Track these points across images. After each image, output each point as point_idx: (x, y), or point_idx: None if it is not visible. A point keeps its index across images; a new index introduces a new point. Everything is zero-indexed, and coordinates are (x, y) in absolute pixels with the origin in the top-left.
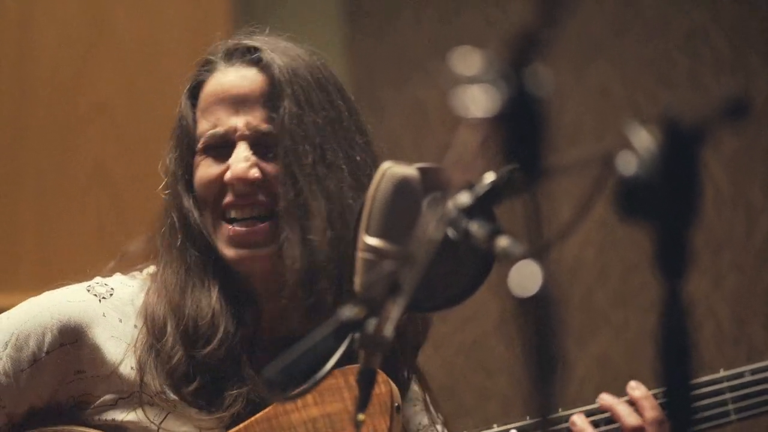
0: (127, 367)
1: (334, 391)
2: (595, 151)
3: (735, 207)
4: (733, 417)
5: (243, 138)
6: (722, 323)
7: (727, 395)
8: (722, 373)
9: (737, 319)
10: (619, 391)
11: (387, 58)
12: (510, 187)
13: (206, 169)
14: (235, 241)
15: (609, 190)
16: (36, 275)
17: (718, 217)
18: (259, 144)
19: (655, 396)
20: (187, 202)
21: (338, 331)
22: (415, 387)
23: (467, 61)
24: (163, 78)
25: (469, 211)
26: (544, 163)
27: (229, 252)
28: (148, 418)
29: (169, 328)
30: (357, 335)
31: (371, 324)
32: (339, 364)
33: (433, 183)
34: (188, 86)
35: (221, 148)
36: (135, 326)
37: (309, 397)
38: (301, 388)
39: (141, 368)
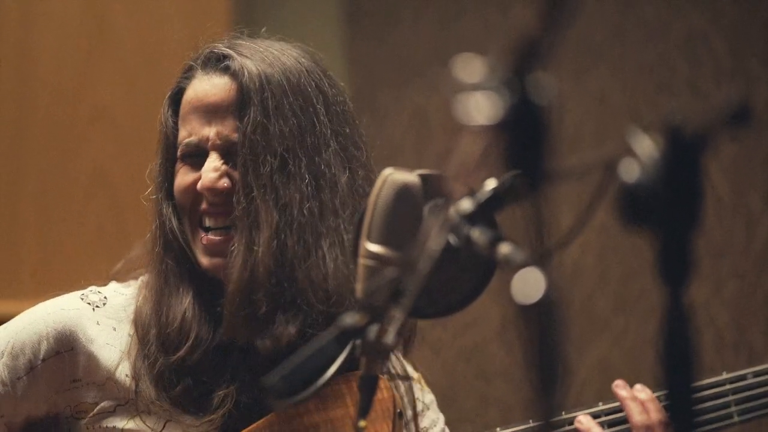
0: (122, 375)
1: (337, 397)
2: (597, 158)
3: (735, 213)
4: (736, 419)
5: (214, 148)
6: (722, 329)
7: (730, 397)
8: (725, 375)
9: (737, 325)
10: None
11: (386, 62)
12: (512, 194)
13: (183, 177)
14: (208, 250)
15: (611, 197)
16: (36, 279)
17: (718, 223)
18: (230, 153)
19: (658, 399)
20: (166, 209)
21: (340, 337)
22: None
23: (469, 67)
24: (163, 82)
25: (471, 218)
26: (546, 170)
27: (204, 260)
28: (148, 426)
29: (151, 334)
30: (358, 342)
31: (373, 330)
32: (341, 370)
33: (434, 189)
34: (170, 93)
35: (196, 156)
36: (129, 334)
37: (311, 404)
38: (303, 394)
39: (136, 376)
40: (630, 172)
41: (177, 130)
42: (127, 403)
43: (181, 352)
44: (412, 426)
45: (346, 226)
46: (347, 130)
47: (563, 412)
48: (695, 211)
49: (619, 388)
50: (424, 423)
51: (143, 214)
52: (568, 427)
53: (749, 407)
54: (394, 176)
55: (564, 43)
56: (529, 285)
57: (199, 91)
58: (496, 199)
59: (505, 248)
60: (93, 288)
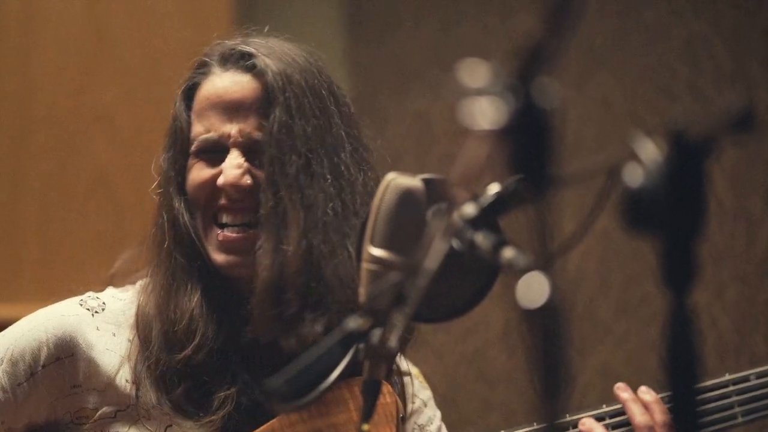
0: (123, 380)
1: (340, 402)
2: (601, 163)
3: (736, 218)
4: (740, 419)
5: (236, 145)
6: (724, 334)
7: (734, 398)
8: (728, 376)
9: (739, 329)
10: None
11: (387, 67)
12: (515, 199)
13: (199, 172)
14: (224, 247)
15: (613, 202)
16: (37, 283)
17: (719, 228)
18: (252, 151)
19: (663, 400)
20: (178, 204)
21: (343, 341)
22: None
23: (473, 72)
24: (164, 86)
25: (474, 222)
26: (549, 175)
27: (218, 257)
28: (150, 430)
29: (154, 332)
30: (362, 346)
31: (376, 334)
32: (344, 375)
33: (437, 194)
34: (183, 87)
35: (214, 152)
36: (128, 339)
37: (314, 409)
38: (306, 398)
39: (136, 380)
40: (633, 176)
41: (190, 124)
42: (128, 409)
43: (188, 351)
44: (410, 421)
45: None
46: (356, 132)
47: (567, 415)
48: (698, 216)
49: (621, 390)
50: (421, 420)
51: (144, 216)
52: (572, 430)
53: (753, 408)
54: (397, 181)
55: (566, 48)
56: (532, 289)
57: (219, 87)
58: (500, 203)
59: (508, 253)
60: (90, 294)
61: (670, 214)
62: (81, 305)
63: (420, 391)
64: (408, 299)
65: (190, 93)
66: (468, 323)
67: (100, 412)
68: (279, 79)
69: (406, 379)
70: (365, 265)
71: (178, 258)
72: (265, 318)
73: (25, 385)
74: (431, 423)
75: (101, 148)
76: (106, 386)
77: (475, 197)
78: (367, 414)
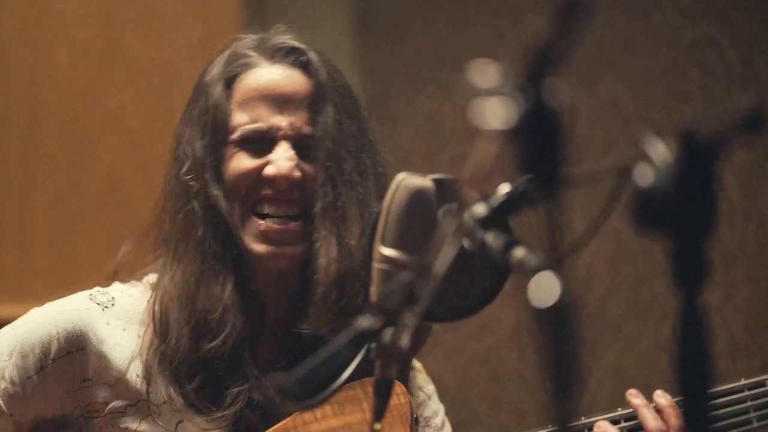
0: (133, 376)
1: (354, 402)
2: (611, 163)
3: (747, 218)
4: (755, 424)
5: (286, 137)
6: (735, 334)
7: (749, 403)
8: (743, 381)
9: (750, 330)
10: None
11: (398, 69)
12: (525, 199)
13: (242, 162)
14: (266, 237)
15: (624, 202)
16: (49, 285)
17: (730, 228)
18: (300, 145)
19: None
20: (217, 192)
21: (355, 340)
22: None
23: (484, 73)
24: (175, 89)
25: (485, 222)
26: (560, 175)
27: (258, 247)
28: (161, 425)
29: (177, 321)
30: (373, 345)
31: (387, 334)
32: (358, 375)
33: (448, 194)
34: (223, 77)
35: (260, 143)
36: (139, 335)
37: (328, 408)
38: (317, 398)
39: (147, 376)
40: (644, 176)
41: (229, 113)
42: (138, 404)
43: (218, 341)
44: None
45: None
46: (374, 133)
47: (582, 418)
48: (709, 216)
49: (633, 396)
50: (426, 412)
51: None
52: None
53: None
54: (407, 181)
55: (575, 50)
56: (543, 289)
57: (269, 79)
58: (510, 203)
59: (519, 252)
60: (99, 289)
61: (680, 214)
62: (91, 299)
63: (424, 384)
64: (419, 299)
65: (228, 83)
66: (479, 323)
67: (110, 406)
68: (329, 77)
69: (410, 372)
70: (376, 265)
71: (213, 246)
72: (326, 311)
73: (35, 379)
74: (436, 416)
75: (113, 150)
76: (117, 381)
77: (485, 197)
78: (379, 413)
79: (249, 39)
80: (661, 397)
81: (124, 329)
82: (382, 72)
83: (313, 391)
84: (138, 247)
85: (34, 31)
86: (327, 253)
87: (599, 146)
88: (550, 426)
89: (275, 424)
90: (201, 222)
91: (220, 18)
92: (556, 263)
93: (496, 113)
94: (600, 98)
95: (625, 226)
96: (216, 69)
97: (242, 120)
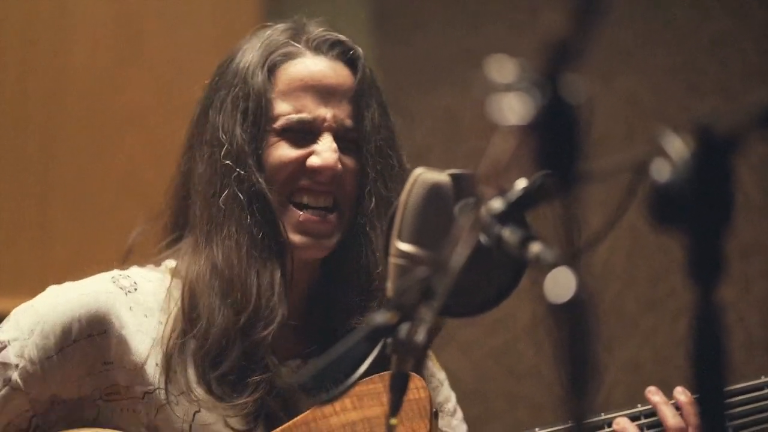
0: (153, 364)
1: (374, 395)
2: (629, 158)
3: (763, 213)
4: None
5: (329, 129)
6: (751, 329)
7: None
8: (764, 378)
9: (766, 325)
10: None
11: (415, 65)
12: (542, 194)
13: (285, 151)
14: (304, 228)
15: (640, 197)
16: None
17: (747, 223)
18: (340, 137)
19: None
20: (261, 178)
21: (371, 335)
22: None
23: (501, 68)
24: (194, 84)
25: (502, 217)
26: (577, 170)
27: (296, 237)
28: (178, 416)
29: (211, 306)
30: (389, 340)
31: (403, 329)
32: (378, 369)
33: (465, 189)
34: (263, 64)
35: (302, 133)
36: (160, 322)
37: (348, 402)
38: (333, 392)
39: (167, 364)
40: (661, 171)
41: (272, 101)
42: (156, 392)
43: (271, 328)
44: None
45: None
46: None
47: (602, 414)
48: (726, 211)
49: (652, 393)
50: (438, 398)
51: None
52: (606, 429)
53: None
54: (424, 176)
55: (593, 45)
56: (559, 284)
57: (316, 71)
58: (527, 198)
59: (535, 248)
60: (119, 272)
61: (697, 209)
62: (114, 283)
63: (436, 371)
64: (435, 294)
65: (270, 72)
66: (495, 318)
67: (129, 390)
68: (370, 72)
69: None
70: (393, 260)
71: (258, 233)
72: (365, 307)
73: (55, 359)
74: (448, 401)
75: (132, 147)
76: (136, 367)
77: (502, 192)
78: (395, 408)
79: (282, 27)
80: (681, 394)
81: (145, 315)
82: (399, 67)
83: (329, 386)
84: (151, 229)
85: (53, 29)
86: (361, 248)
87: (617, 141)
88: (566, 422)
89: (297, 411)
90: (245, 208)
91: (238, 14)
92: (572, 258)
93: (513, 109)
94: (618, 93)
95: (642, 222)
96: (252, 56)
97: (285, 109)
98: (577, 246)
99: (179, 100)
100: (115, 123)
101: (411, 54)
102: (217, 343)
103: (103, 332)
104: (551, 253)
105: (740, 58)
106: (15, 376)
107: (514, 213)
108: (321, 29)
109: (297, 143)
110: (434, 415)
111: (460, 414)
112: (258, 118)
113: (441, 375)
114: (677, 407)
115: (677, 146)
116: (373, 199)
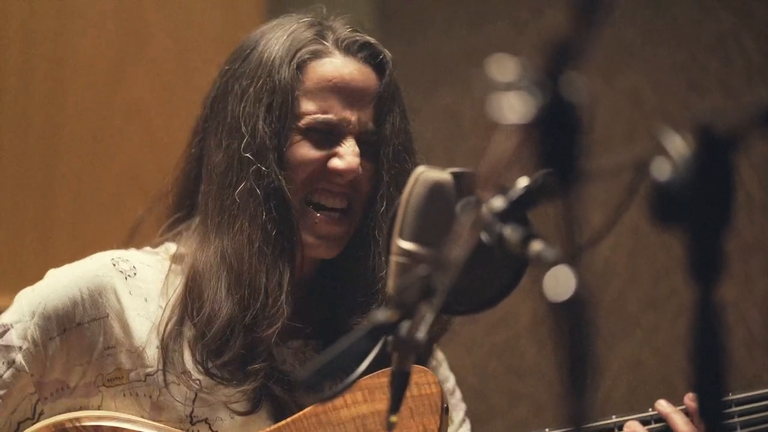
0: (153, 347)
1: (384, 389)
2: (629, 157)
3: (765, 212)
4: None
5: (353, 132)
6: (753, 328)
7: None
8: None
9: None
10: (649, 395)
11: (417, 63)
12: (543, 192)
13: (307, 151)
14: (318, 229)
15: (641, 195)
16: None
17: (748, 221)
18: (362, 141)
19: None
20: (281, 176)
21: (372, 333)
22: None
23: (503, 67)
24: (197, 81)
25: (503, 216)
26: (578, 169)
27: (309, 238)
28: (178, 401)
29: (217, 297)
30: (390, 338)
31: (404, 327)
32: (383, 364)
33: (466, 187)
34: (290, 60)
35: (325, 134)
36: (159, 306)
37: (359, 395)
38: (333, 390)
39: (166, 347)
40: (662, 170)
41: (298, 99)
42: (156, 374)
43: (275, 328)
44: None
45: None
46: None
47: (613, 416)
48: (727, 210)
49: (661, 406)
50: (438, 377)
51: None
52: None
53: None
54: (426, 174)
55: (595, 43)
56: (559, 283)
57: (345, 73)
58: (528, 197)
59: (537, 246)
60: (119, 253)
61: (698, 207)
62: (114, 266)
63: (435, 352)
64: (436, 292)
65: (298, 68)
66: (497, 316)
67: (130, 374)
68: (395, 77)
69: None
70: (394, 258)
71: (273, 230)
72: (367, 308)
73: (58, 340)
74: (447, 381)
75: (134, 142)
76: (137, 350)
77: (503, 191)
78: (395, 406)
79: (307, 21)
80: (692, 401)
81: (145, 299)
82: (401, 65)
83: (329, 384)
84: (153, 212)
85: (56, 24)
86: (368, 249)
87: (619, 139)
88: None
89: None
90: (261, 204)
91: (241, 10)
92: (573, 257)
93: (514, 107)
94: (619, 91)
95: (643, 220)
96: (278, 48)
97: (311, 108)
98: (579, 244)
99: (182, 97)
100: (117, 119)
101: (414, 52)
102: (220, 335)
103: (105, 316)
104: (552, 252)
105: (742, 56)
106: (19, 357)
107: (516, 211)
108: (349, 29)
109: (319, 144)
110: (445, 411)
111: (458, 394)
112: (283, 114)
113: (439, 356)
114: (687, 413)
115: (678, 145)
116: (384, 203)
